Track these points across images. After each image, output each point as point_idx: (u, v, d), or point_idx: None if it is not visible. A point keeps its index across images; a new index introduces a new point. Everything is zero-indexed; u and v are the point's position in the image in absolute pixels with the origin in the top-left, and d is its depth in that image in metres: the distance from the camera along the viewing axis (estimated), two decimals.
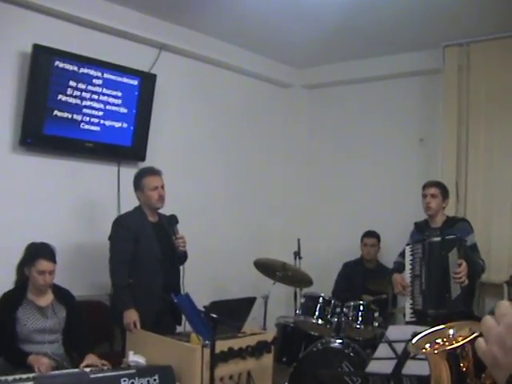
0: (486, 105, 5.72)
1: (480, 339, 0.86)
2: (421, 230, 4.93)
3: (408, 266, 4.74)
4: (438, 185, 4.93)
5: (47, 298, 4.10)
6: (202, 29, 5.96)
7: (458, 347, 1.10)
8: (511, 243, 5.25)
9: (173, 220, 4.70)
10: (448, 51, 5.94)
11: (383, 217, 6.50)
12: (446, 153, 5.90)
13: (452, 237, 4.58)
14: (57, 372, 3.58)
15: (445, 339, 1.25)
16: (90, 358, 3.93)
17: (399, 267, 4.93)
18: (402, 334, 3.37)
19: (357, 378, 4.76)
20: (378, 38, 6.03)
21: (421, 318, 4.51)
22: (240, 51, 6.53)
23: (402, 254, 4.90)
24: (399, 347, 3.38)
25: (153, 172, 4.72)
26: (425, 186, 4.93)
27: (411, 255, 4.73)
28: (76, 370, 3.71)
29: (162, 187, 4.70)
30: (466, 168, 5.78)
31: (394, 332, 3.40)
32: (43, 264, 3.95)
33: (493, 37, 5.61)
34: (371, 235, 6.25)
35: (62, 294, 4.20)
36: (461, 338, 1.16)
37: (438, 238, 4.62)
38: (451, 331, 1.24)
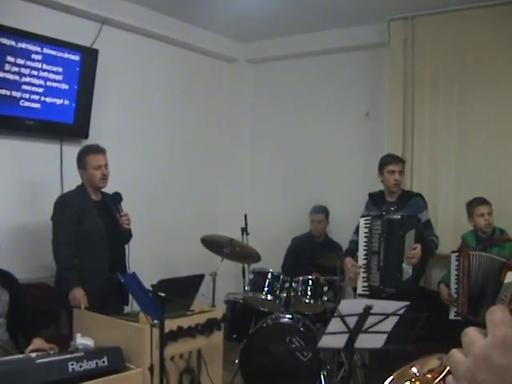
0: (431, 79, 5.76)
1: (449, 378, 0.74)
2: (377, 202, 4.90)
3: (362, 239, 4.72)
4: (402, 160, 4.95)
5: None
6: (145, 3, 5.82)
7: None
8: (456, 216, 5.31)
9: (117, 198, 4.61)
10: (393, 25, 5.95)
11: (330, 190, 6.52)
12: (391, 126, 5.94)
13: (412, 217, 4.59)
14: (1, 358, 3.48)
15: (413, 379, 1.15)
16: (37, 342, 3.83)
17: (354, 248, 4.87)
18: (354, 307, 3.38)
19: (307, 352, 4.79)
20: (323, 12, 6.00)
21: (375, 294, 4.49)
22: (184, 25, 6.41)
23: (357, 231, 4.85)
24: (351, 321, 3.39)
25: (97, 150, 4.60)
26: (391, 162, 4.84)
27: (367, 228, 4.70)
28: (21, 355, 3.61)
29: (106, 166, 4.59)
30: (411, 141, 5.82)
31: (346, 306, 3.40)
32: None
33: (437, 10, 5.64)
34: (318, 211, 6.22)
35: (4, 278, 4.08)
36: (430, 376, 1.07)
37: (399, 216, 4.63)
38: (414, 369, 1.15)
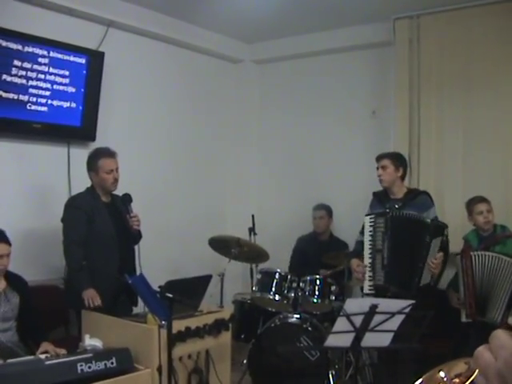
0: (437, 77, 5.74)
1: (479, 377, 0.75)
2: (381, 201, 4.83)
3: (367, 238, 4.65)
4: (389, 155, 4.83)
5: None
6: (150, 5, 5.84)
7: None
8: (464, 215, 5.26)
9: (126, 199, 4.63)
10: (398, 24, 5.94)
11: (336, 190, 6.52)
12: (397, 125, 5.92)
13: (440, 223, 4.54)
14: (11, 360, 3.50)
15: None
16: (46, 346, 3.86)
17: (360, 249, 4.76)
18: (360, 306, 3.39)
19: (315, 352, 4.79)
20: (328, 12, 6.00)
21: (380, 293, 4.43)
22: (190, 27, 6.43)
23: (363, 231, 4.75)
24: (357, 320, 3.39)
25: (109, 154, 4.62)
26: (376, 159, 4.84)
27: (371, 226, 4.63)
28: (31, 357, 3.64)
29: (117, 170, 4.61)
30: (418, 140, 5.80)
31: (351, 305, 3.41)
32: None
33: (442, 9, 5.62)
34: (319, 208, 6.23)
35: (14, 281, 4.11)
36: (458, 380, 1.05)
37: (402, 212, 4.56)
38: (442, 374, 1.13)
